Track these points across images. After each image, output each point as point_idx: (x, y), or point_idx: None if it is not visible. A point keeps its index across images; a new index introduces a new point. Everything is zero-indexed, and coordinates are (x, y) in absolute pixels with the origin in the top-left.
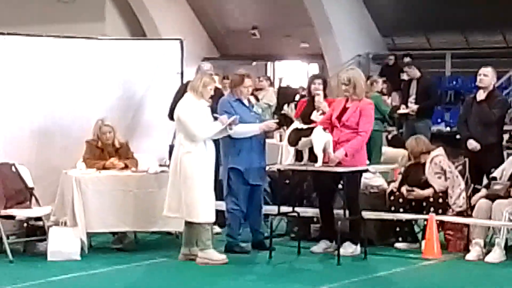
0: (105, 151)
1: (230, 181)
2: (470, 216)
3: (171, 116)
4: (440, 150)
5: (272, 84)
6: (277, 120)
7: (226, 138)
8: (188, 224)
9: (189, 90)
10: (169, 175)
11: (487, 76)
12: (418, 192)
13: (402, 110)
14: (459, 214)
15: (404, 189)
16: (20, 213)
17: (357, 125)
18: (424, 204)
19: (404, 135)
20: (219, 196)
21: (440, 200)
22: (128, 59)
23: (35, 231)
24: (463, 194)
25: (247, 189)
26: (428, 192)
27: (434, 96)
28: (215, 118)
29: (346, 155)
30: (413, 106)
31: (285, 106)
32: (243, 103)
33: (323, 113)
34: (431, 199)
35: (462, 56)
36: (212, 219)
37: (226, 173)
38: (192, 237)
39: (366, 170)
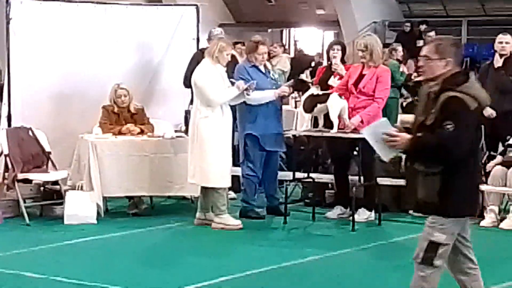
0: (121, 116)
1: (247, 147)
2: (485, 183)
3: (186, 84)
4: None
5: (286, 51)
6: (291, 84)
7: (243, 104)
8: (204, 189)
9: (206, 55)
10: (189, 142)
11: (508, 43)
12: None
13: (417, 78)
14: None
15: None
16: (37, 177)
17: (373, 92)
18: None
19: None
20: (234, 162)
21: None
22: (144, 24)
23: (51, 195)
24: None
25: (263, 155)
26: None
27: None
28: (232, 84)
29: (362, 121)
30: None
31: (307, 72)
32: (259, 69)
33: (341, 77)
34: None
35: (478, 24)
36: (228, 184)
37: (242, 139)
38: (208, 202)
39: None
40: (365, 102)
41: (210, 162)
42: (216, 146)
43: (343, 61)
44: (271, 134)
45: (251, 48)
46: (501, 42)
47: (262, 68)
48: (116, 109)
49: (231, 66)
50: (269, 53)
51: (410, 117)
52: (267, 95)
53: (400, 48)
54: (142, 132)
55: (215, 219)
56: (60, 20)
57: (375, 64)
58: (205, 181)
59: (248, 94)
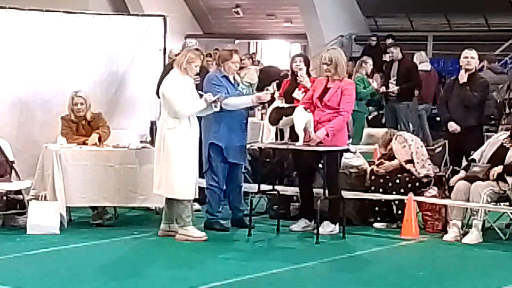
0: (79, 124)
1: (210, 157)
2: (448, 197)
3: (158, 94)
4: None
5: (254, 63)
6: (272, 91)
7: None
8: (169, 200)
9: (174, 66)
10: (155, 153)
11: (474, 59)
12: (388, 163)
13: (382, 90)
14: (426, 177)
15: (374, 166)
16: (0, 187)
17: (338, 105)
18: (397, 181)
19: (385, 116)
20: (201, 173)
21: (408, 178)
22: (111, 34)
23: (14, 205)
24: (429, 161)
25: (226, 167)
26: (396, 162)
27: (415, 78)
28: (201, 96)
29: (327, 134)
30: (393, 88)
31: (274, 84)
32: (229, 80)
33: (306, 90)
34: (401, 177)
35: (444, 39)
36: (193, 196)
37: (206, 148)
38: (172, 213)
39: (347, 150)
40: (330, 115)
41: (176, 174)
42: (182, 157)
43: (308, 74)
44: (235, 146)
45: (224, 56)
46: (466, 57)
47: (231, 79)
48: (73, 117)
49: (203, 77)
50: None
51: (376, 131)
52: (245, 101)
53: (370, 62)
54: (100, 139)
55: (179, 231)
56: (26, 29)
57: (340, 78)
58: (170, 193)
59: (215, 107)
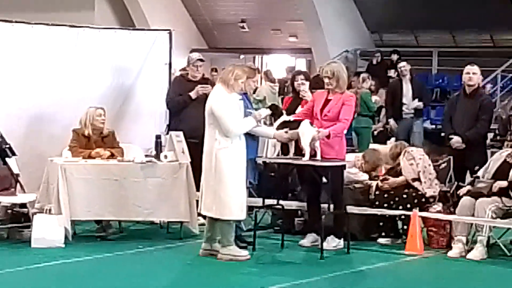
0: (91, 140)
1: None
2: (453, 213)
3: (168, 107)
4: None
5: (270, 79)
6: (286, 133)
7: None
8: (212, 219)
9: (219, 83)
10: (203, 173)
11: (476, 74)
12: (392, 179)
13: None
14: (432, 198)
15: (379, 181)
16: (5, 200)
17: (338, 117)
18: (404, 196)
19: (399, 133)
20: None
21: (414, 194)
22: (117, 48)
23: (19, 218)
24: (436, 180)
25: None
26: (401, 179)
27: (426, 96)
28: (248, 113)
29: (328, 136)
30: (416, 103)
31: (279, 100)
32: (247, 97)
33: None
34: (408, 192)
35: (449, 55)
36: (244, 216)
37: None
38: (216, 233)
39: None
40: (331, 127)
41: (231, 194)
42: (235, 177)
43: (310, 90)
44: (250, 163)
45: (249, 73)
46: (468, 73)
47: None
48: (86, 132)
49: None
50: None
51: (380, 147)
52: (267, 132)
53: (370, 78)
54: (112, 155)
55: (222, 251)
56: (32, 43)
57: (341, 91)
58: (225, 214)
59: (261, 123)
